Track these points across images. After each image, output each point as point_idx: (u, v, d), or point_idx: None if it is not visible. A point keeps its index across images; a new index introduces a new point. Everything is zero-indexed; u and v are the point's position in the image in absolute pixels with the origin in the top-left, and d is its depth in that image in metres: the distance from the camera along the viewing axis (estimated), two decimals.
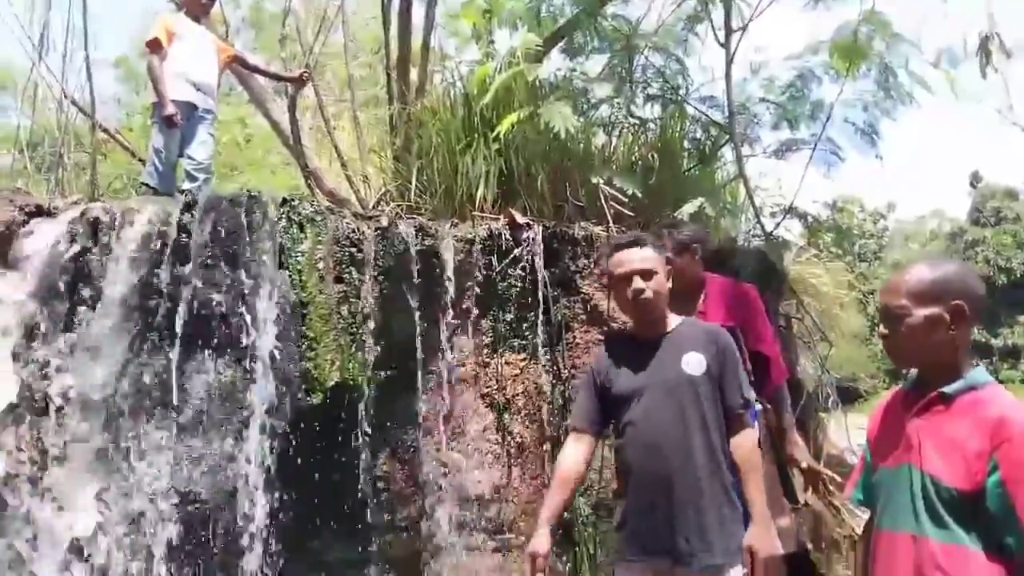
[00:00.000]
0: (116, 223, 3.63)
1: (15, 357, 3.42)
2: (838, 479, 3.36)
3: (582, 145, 5.04)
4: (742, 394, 2.63)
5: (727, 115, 5.30)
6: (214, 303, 3.50)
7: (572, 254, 4.27)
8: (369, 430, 3.66)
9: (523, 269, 4.16)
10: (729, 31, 5.23)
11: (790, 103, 5.53)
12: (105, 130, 7.98)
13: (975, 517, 1.75)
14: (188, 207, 3.64)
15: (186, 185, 5.21)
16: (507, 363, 4.09)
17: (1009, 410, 1.77)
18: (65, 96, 7.02)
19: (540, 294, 4.12)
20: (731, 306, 3.34)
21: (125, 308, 3.46)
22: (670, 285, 2.74)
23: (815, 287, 5.92)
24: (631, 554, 2.61)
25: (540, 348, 4.11)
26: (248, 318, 3.48)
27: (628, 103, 5.32)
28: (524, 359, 4.12)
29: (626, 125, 5.47)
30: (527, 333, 4.14)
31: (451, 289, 3.99)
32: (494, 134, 4.56)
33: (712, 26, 5.37)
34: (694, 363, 2.60)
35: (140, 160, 7.20)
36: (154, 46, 5.21)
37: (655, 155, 5.07)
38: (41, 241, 3.59)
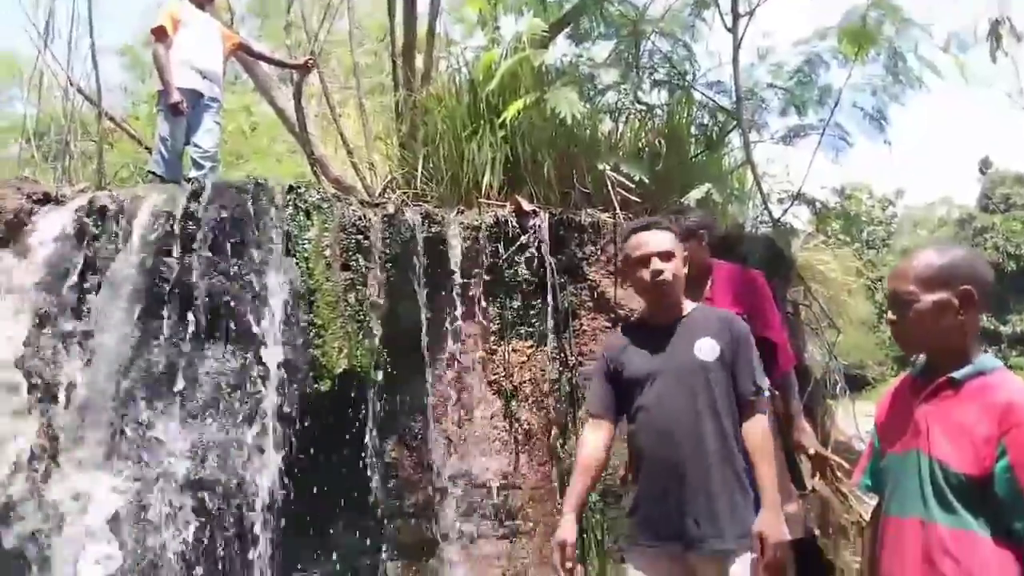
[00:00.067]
0: (123, 211, 3.64)
1: (25, 344, 3.44)
2: (846, 465, 3.36)
3: (588, 131, 5.02)
4: (755, 381, 2.63)
5: (734, 101, 5.27)
6: (222, 291, 3.51)
7: (579, 241, 4.27)
8: (377, 417, 3.67)
9: (530, 256, 4.15)
10: (736, 16, 5.19)
11: (798, 88, 5.49)
12: (111, 118, 8.00)
13: (983, 502, 1.74)
14: (195, 195, 3.64)
15: (192, 173, 5.21)
16: (514, 350, 4.10)
17: (1018, 395, 1.76)
18: (71, 84, 7.03)
19: (547, 281, 4.12)
20: (738, 292, 3.33)
21: (133, 296, 3.47)
22: (686, 271, 2.73)
23: (823, 273, 5.91)
24: (643, 539, 2.63)
25: (547, 335, 4.11)
26: (256, 305, 3.49)
27: (635, 89, 5.29)
28: (531, 346, 4.12)
29: (633, 111, 5.45)
30: (534, 320, 4.14)
31: (458, 276, 3.99)
32: (500, 120, 4.55)
33: (719, 11, 5.34)
34: (707, 349, 2.60)
35: (146, 148, 7.21)
36: (159, 34, 5.20)
37: (662, 141, 5.05)
38: (49, 229, 3.60)
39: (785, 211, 5.52)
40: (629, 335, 2.78)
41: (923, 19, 5.02)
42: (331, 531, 3.56)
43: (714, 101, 5.54)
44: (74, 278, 3.55)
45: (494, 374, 4.06)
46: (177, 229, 3.56)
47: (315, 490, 3.47)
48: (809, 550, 3.64)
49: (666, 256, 2.65)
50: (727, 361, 2.61)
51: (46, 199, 3.79)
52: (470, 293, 4.06)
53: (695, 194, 4.44)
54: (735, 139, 5.62)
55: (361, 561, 3.59)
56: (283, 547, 3.38)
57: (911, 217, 37.91)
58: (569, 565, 2.62)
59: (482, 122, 4.72)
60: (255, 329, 3.48)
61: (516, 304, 4.13)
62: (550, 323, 4.11)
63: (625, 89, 5.26)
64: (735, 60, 5.20)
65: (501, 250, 4.13)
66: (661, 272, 2.63)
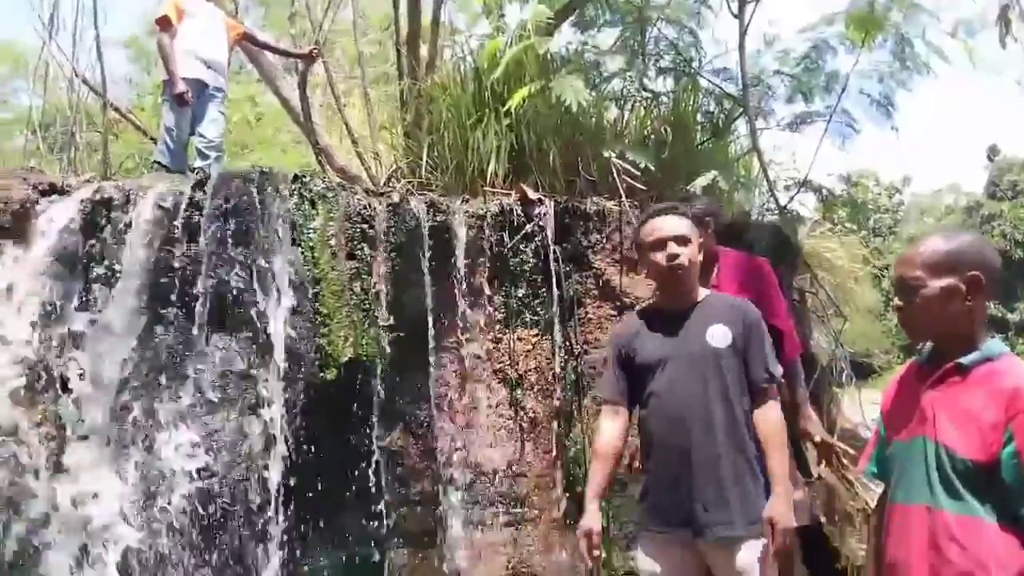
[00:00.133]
0: (129, 201, 3.64)
1: (31, 334, 3.45)
2: (852, 452, 3.36)
3: (594, 119, 4.99)
4: (767, 368, 2.63)
5: (741, 88, 5.24)
6: (227, 280, 3.51)
7: (584, 229, 4.25)
8: (383, 405, 3.68)
9: (535, 245, 4.15)
10: (742, 2, 5.15)
11: (804, 75, 5.45)
12: (116, 109, 8.01)
13: (990, 488, 1.74)
14: (200, 185, 3.65)
15: (197, 163, 5.22)
16: (519, 339, 4.10)
17: None
18: (76, 75, 7.04)
19: (552, 270, 4.12)
20: (744, 280, 3.32)
21: (139, 286, 3.48)
22: (701, 258, 2.73)
23: (829, 261, 5.89)
24: (653, 525, 2.64)
25: (552, 324, 4.11)
26: (261, 295, 3.50)
27: (640, 76, 5.26)
28: (536, 335, 4.12)
29: (638, 98, 5.42)
30: (539, 309, 4.14)
31: (463, 265, 3.99)
32: (505, 109, 4.53)
33: None
34: (719, 336, 2.59)
35: (151, 139, 7.22)
36: (164, 24, 5.20)
37: (668, 128, 5.02)
38: (55, 219, 3.60)
39: (791, 198, 5.50)
40: (641, 320, 2.78)
41: (931, 4, 4.99)
42: (337, 520, 3.58)
43: (720, 88, 5.50)
44: (80, 268, 3.55)
45: (499, 363, 4.07)
46: (182, 219, 3.56)
47: (321, 479, 3.48)
48: (815, 537, 3.65)
49: (682, 241, 2.65)
50: (739, 348, 2.60)
51: (52, 189, 3.79)
52: (475, 282, 4.06)
53: (701, 181, 4.42)
54: (741, 126, 5.61)
55: (367, 549, 3.61)
56: (290, 536, 3.40)
57: (918, 205, 37.69)
58: (596, 552, 2.64)
59: (487, 110, 4.70)
60: (261, 318, 3.49)
61: (521, 292, 4.13)
62: (555, 311, 4.11)
63: (630, 76, 5.23)
64: (741, 47, 5.17)
65: (506, 239, 4.12)
66: (677, 256, 2.62)
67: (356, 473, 3.59)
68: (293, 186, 3.71)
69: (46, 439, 3.37)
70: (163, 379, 3.46)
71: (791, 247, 4.82)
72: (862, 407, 5.05)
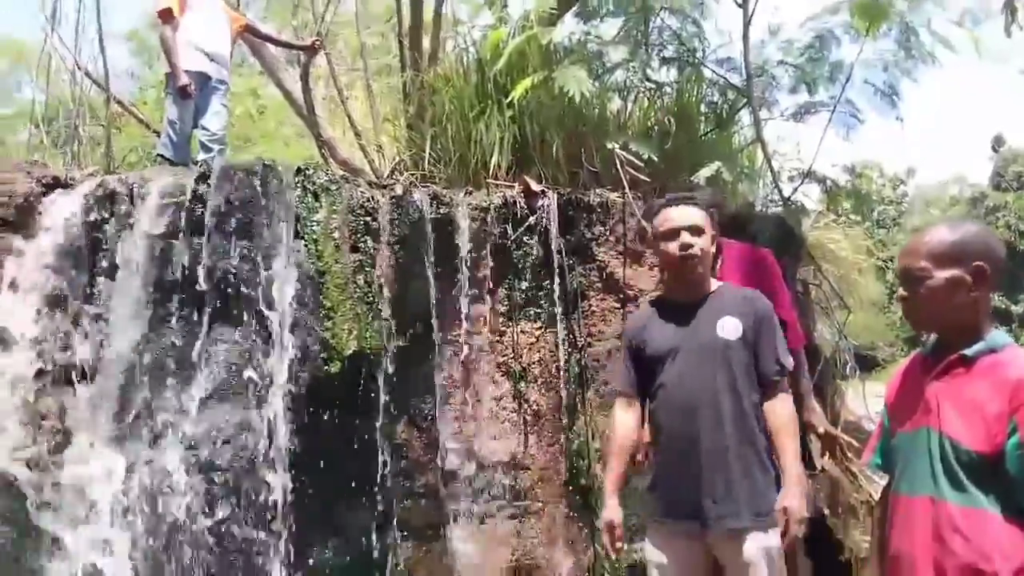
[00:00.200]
0: (132, 194, 3.64)
1: (36, 327, 3.46)
2: (855, 444, 3.36)
3: (597, 110, 4.98)
4: (779, 360, 2.62)
5: (745, 78, 5.22)
6: (231, 273, 3.51)
7: (587, 221, 4.25)
8: (387, 398, 3.68)
9: (538, 237, 4.14)
10: None
11: (809, 65, 5.42)
12: (119, 102, 8.01)
13: (994, 480, 1.74)
14: (203, 177, 3.64)
15: (201, 156, 5.21)
16: (523, 331, 4.09)
17: None
18: (79, 69, 7.03)
19: (555, 262, 4.11)
20: (748, 271, 3.31)
21: (143, 278, 3.49)
22: (713, 249, 2.71)
23: (833, 252, 5.86)
24: (661, 516, 2.64)
25: (556, 316, 4.11)
26: (265, 287, 3.50)
27: (644, 67, 5.24)
28: (540, 327, 4.12)
29: (642, 89, 5.39)
30: (543, 301, 4.13)
31: (466, 258, 3.99)
32: (508, 100, 4.52)
33: None
34: (729, 328, 2.59)
35: (155, 132, 7.22)
36: (166, 16, 5.19)
37: (671, 119, 5.00)
38: (59, 212, 3.61)
39: (795, 189, 5.49)
40: (653, 311, 2.77)
41: None
42: (342, 512, 3.59)
43: (724, 78, 5.48)
44: (84, 261, 3.56)
45: (503, 355, 4.07)
46: (185, 212, 3.56)
47: (326, 472, 3.49)
48: (819, 530, 3.65)
49: (696, 231, 2.63)
50: (750, 341, 2.59)
51: (56, 183, 3.80)
52: (479, 274, 4.06)
53: (705, 172, 4.40)
54: (745, 117, 5.58)
55: (372, 542, 3.61)
56: (294, 528, 3.41)
57: (923, 196, 37.57)
58: (619, 545, 2.65)
59: (490, 102, 4.69)
60: (265, 311, 3.49)
61: (525, 285, 4.12)
62: (559, 304, 4.11)
63: (634, 67, 5.20)
64: (745, 37, 5.15)
65: (510, 231, 4.11)
66: (690, 246, 2.61)
67: (360, 466, 3.59)
68: (296, 179, 3.71)
69: (51, 432, 3.38)
70: (167, 372, 3.47)
71: (795, 238, 4.81)
72: (866, 399, 5.04)
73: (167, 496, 3.33)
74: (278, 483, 3.39)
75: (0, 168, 3.79)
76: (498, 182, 4.42)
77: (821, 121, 5.30)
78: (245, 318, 3.52)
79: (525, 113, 4.63)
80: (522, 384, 4.03)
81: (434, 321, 3.86)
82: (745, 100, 5.31)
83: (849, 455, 3.59)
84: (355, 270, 3.71)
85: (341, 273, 3.65)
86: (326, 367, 3.56)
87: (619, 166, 4.29)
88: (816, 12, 5.40)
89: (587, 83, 4.32)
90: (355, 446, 3.59)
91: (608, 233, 4.25)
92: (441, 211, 3.98)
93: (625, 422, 2.73)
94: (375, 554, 3.59)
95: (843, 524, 4.28)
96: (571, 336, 4.16)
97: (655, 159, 4.39)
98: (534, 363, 4.08)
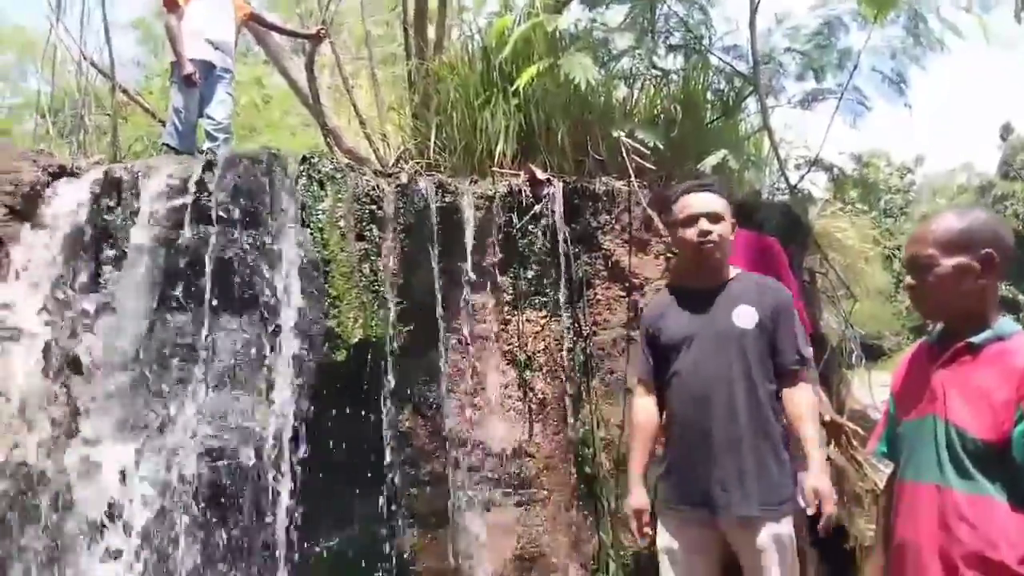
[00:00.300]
0: (138, 183, 3.64)
1: (43, 315, 3.47)
2: (861, 433, 3.35)
3: (603, 98, 4.95)
4: (798, 350, 2.61)
5: (751, 65, 5.18)
6: (236, 261, 3.52)
7: (593, 210, 4.24)
8: (392, 386, 3.69)
9: (544, 225, 4.13)
10: None
11: (816, 52, 5.39)
12: (125, 91, 8.01)
13: (1000, 467, 1.73)
14: (209, 166, 3.64)
15: (206, 145, 5.22)
16: (528, 320, 4.09)
17: None
18: (84, 58, 7.03)
19: (561, 250, 4.10)
20: (754, 259, 3.30)
21: (148, 267, 3.49)
22: (732, 237, 2.71)
23: (840, 241, 5.85)
24: (673, 503, 2.65)
25: (561, 305, 4.10)
26: (271, 276, 3.50)
27: (650, 54, 5.21)
28: (545, 316, 4.12)
29: (648, 77, 5.36)
30: (548, 290, 4.13)
31: (471, 246, 3.98)
32: (513, 88, 4.50)
33: None
34: (745, 316, 2.58)
35: (160, 122, 7.22)
36: (171, 5, 5.18)
37: (677, 107, 4.97)
38: (65, 201, 3.62)
39: (802, 177, 5.46)
40: (670, 299, 2.77)
41: None
42: (347, 500, 3.60)
43: (731, 66, 5.44)
44: (90, 250, 3.57)
45: (508, 344, 4.07)
46: (191, 200, 3.56)
47: (331, 460, 3.50)
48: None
49: (714, 218, 2.63)
50: (767, 329, 2.58)
51: (62, 172, 3.80)
52: (484, 263, 4.05)
53: (711, 160, 4.38)
54: (752, 104, 5.55)
55: (377, 530, 3.63)
56: (299, 517, 3.42)
57: (930, 185, 37.37)
58: (647, 530, 2.66)
59: (495, 90, 4.67)
60: (270, 300, 3.50)
61: (530, 274, 4.12)
62: (564, 292, 4.10)
63: (640, 54, 5.18)
64: (752, 23, 5.11)
65: (515, 219, 4.10)
66: (708, 233, 2.60)
67: (365, 454, 3.61)
68: (301, 167, 3.70)
69: (58, 420, 3.39)
70: (173, 361, 3.47)
71: (801, 227, 4.79)
72: (871, 389, 5.04)
73: (173, 484, 3.34)
74: (284, 471, 3.40)
75: (6, 157, 3.80)
76: (503, 170, 4.41)
77: (828, 109, 5.26)
78: (251, 307, 3.52)
79: (531, 101, 4.61)
80: (527, 373, 4.04)
81: (439, 309, 3.86)
82: (752, 88, 5.28)
83: (855, 443, 3.59)
84: (360, 259, 3.71)
85: (347, 262, 3.65)
86: (332, 355, 3.56)
87: (625, 154, 4.27)
88: None
89: (593, 71, 4.30)
90: (360, 434, 3.60)
91: (614, 221, 4.24)
92: (446, 200, 3.97)
93: (646, 408, 2.74)
94: (380, 541, 3.61)
95: (848, 512, 4.28)
96: (576, 325, 4.16)
97: (661, 147, 4.37)
98: (539, 352, 4.08)
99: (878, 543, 2.11)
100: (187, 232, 3.53)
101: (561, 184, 4.20)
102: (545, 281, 4.13)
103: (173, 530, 3.30)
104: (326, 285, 3.60)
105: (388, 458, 3.64)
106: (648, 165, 4.28)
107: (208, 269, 3.47)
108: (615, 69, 5.31)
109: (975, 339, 1.82)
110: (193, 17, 5.21)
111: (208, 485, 3.36)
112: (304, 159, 3.75)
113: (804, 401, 2.59)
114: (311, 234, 3.62)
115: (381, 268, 3.75)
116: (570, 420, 4.06)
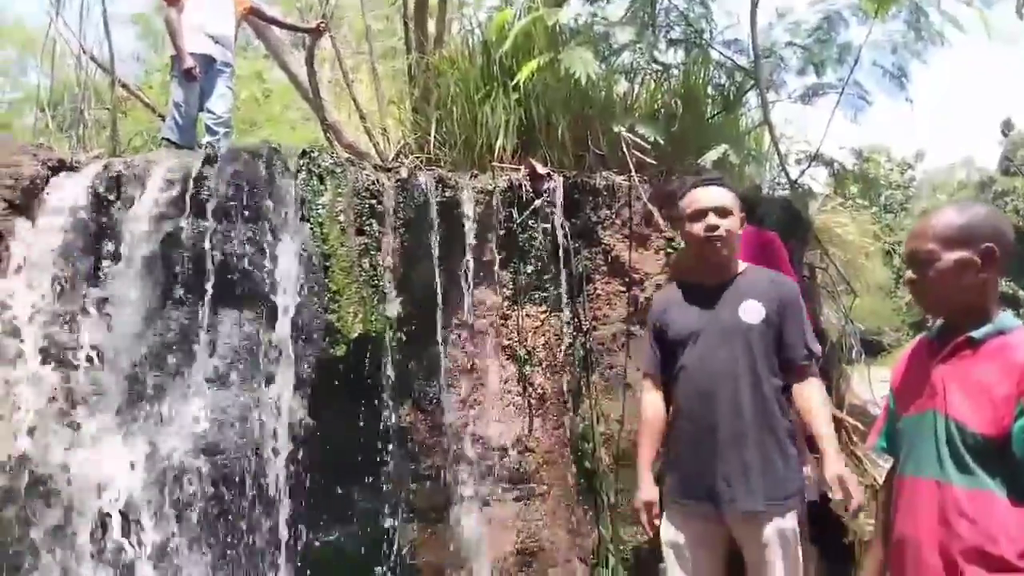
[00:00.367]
0: (138, 177, 3.64)
1: (42, 310, 3.46)
2: (861, 428, 3.36)
3: (603, 92, 4.95)
4: (807, 345, 2.61)
5: (752, 60, 5.17)
6: (236, 256, 3.51)
7: (593, 204, 4.23)
8: (392, 381, 3.69)
9: (544, 220, 4.13)
10: None
11: (817, 46, 5.38)
12: (124, 86, 8.00)
13: (1000, 463, 1.73)
14: (208, 160, 3.64)
15: (206, 139, 5.21)
16: (528, 315, 4.09)
17: None
18: (84, 52, 7.02)
19: (561, 245, 4.10)
20: (753, 254, 3.29)
21: (147, 262, 3.49)
22: (741, 232, 2.70)
23: (840, 237, 5.84)
24: (678, 497, 2.65)
25: (561, 300, 4.10)
26: (270, 270, 3.50)
27: (650, 48, 5.20)
28: (545, 311, 4.12)
29: (648, 71, 5.36)
30: (548, 285, 4.13)
31: (471, 241, 3.98)
32: (514, 83, 4.49)
33: None
34: (752, 311, 2.58)
35: (160, 116, 7.21)
36: None
37: (678, 102, 4.96)
38: (65, 196, 3.61)
39: (802, 172, 5.45)
40: (677, 293, 2.77)
41: None
42: (347, 495, 3.60)
43: (731, 60, 5.43)
44: (89, 244, 3.56)
45: (508, 339, 4.07)
46: (191, 194, 3.56)
47: (331, 454, 3.51)
48: (823, 513, 3.65)
49: (723, 212, 2.62)
50: (774, 324, 2.58)
51: (61, 166, 3.79)
52: (484, 258, 4.05)
53: (712, 155, 4.38)
54: (752, 99, 5.54)
55: (377, 524, 3.63)
56: (299, 512, 3.42)
57: (930, 180, 37.32)
58: (657, 523, 2.67)
59: (495, 84, 4.66)
60: (270, 294, 3.49)
61: (530, 269, 4.12)
62: (564, 287, 4.10)
63: (641, 48, 5.16)
64: (753, 18, 5.10)
65: (515, 214, 4.10)
66: (716, 227, 2.60)
67: (365, 449, 3.61)
68: (301, 162, 3.70)
69: (58, 415, 3.39)
70: (172, 355, 3.47)
71: (802, 222, 4.78)
72: (871, 384, 5.03)
73: (173, 479, 3.34)
74: (284, 466, 3.40)
75: (6, 151, 3.79)
76: (503, 165, 4.40)
77: (829, 103, 5.26)
78: (250, 301, 3.52)
79: (531, 96, 4.60)
80: (527, 367, 4.04)
81: (439, 304, 3.86)
82: (752, 82, 5.27)
83: (854, 439, 3.59)
84: (360, 253, 3.71)
85: (346, 256, 3.65)
86: (332, 350, 3.56)
87: (625, 149, 4.26)
88: None
89: (593, 65, 4.28)
90: (360, 429, 3.60)
91: (614, 216, 4.23)
92: (446, 194, 3.97)
93: (654, 402, 2.74)
94: (381, 536, 3.61)
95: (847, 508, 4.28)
96: (576, 320, 4.16)
97: (661, 142, 4.36)
98: (539, 346, 4.08)
99: (877, 538, 2.11)
100: (187, 227, 3.52)
101: (561, 179, 4.20)
102: (545, 276, 4.12)
103: (172, 525, 3.30)
104: (326, 280, 3.59)
105: (387, 453, 3.65)
106: (648, 160, 4.28)
107: (208, 264, 3.46)
108: (615, 63, 5.30)
109: (975, 334, 1.81)
110: (193, 11, 5.20)
111: (207, 480, 3.36)
112: (304, 153, 3.75)
113: (815, 397, 2.58)
114: (311, 229, 3.61)
115: (381, 263, 3.75)
116: (570, 415, 4.06)
